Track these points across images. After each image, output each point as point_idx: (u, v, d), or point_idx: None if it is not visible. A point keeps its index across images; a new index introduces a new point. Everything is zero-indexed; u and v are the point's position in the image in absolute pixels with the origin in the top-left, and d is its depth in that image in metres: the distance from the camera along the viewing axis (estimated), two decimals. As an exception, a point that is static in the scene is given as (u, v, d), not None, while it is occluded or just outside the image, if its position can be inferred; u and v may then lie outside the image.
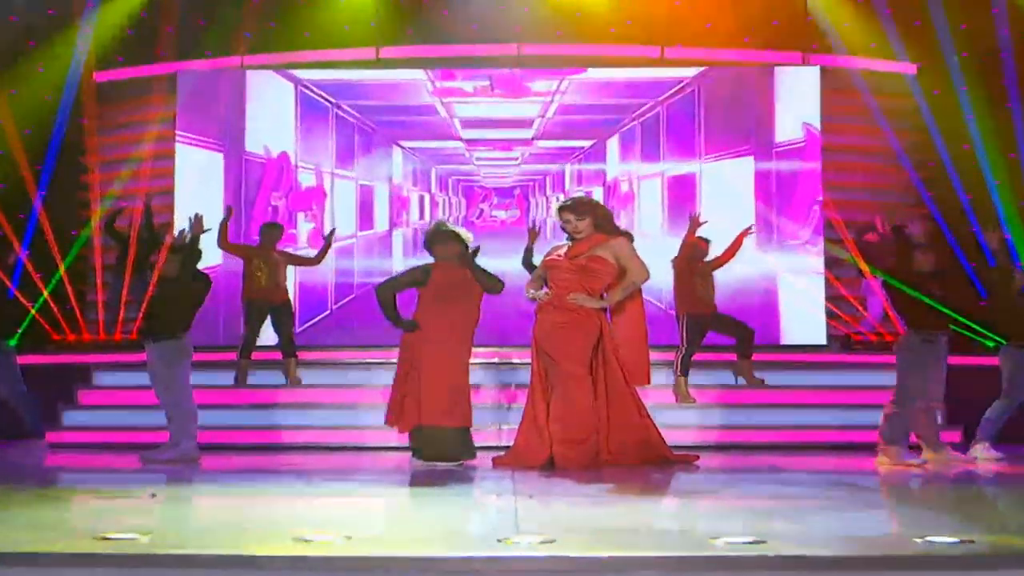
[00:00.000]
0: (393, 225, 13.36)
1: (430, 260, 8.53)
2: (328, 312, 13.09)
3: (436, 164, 13.42)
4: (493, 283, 8.35)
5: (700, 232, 10.68)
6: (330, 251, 11.41)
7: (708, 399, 10.53)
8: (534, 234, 10.42)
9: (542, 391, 8.01)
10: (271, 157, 13.07)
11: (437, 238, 8.45)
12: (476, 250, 8.43)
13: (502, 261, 10.19)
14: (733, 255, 10.91)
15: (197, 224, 8.93)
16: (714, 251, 10.89)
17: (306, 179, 13.13)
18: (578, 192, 12.94)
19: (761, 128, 13.05)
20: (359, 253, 13.20)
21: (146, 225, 10.57)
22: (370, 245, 13.28)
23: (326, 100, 13.16)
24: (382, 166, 13.31)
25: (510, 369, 10.71)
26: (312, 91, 13.14)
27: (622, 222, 12.03)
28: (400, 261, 13.07)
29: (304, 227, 13.09)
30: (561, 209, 7.95)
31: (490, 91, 13.35)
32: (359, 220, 13.23)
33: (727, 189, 12.99)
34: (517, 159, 13.43)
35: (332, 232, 11.48)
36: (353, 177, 13.21)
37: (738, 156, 13.11)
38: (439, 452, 8.24)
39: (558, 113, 13.27)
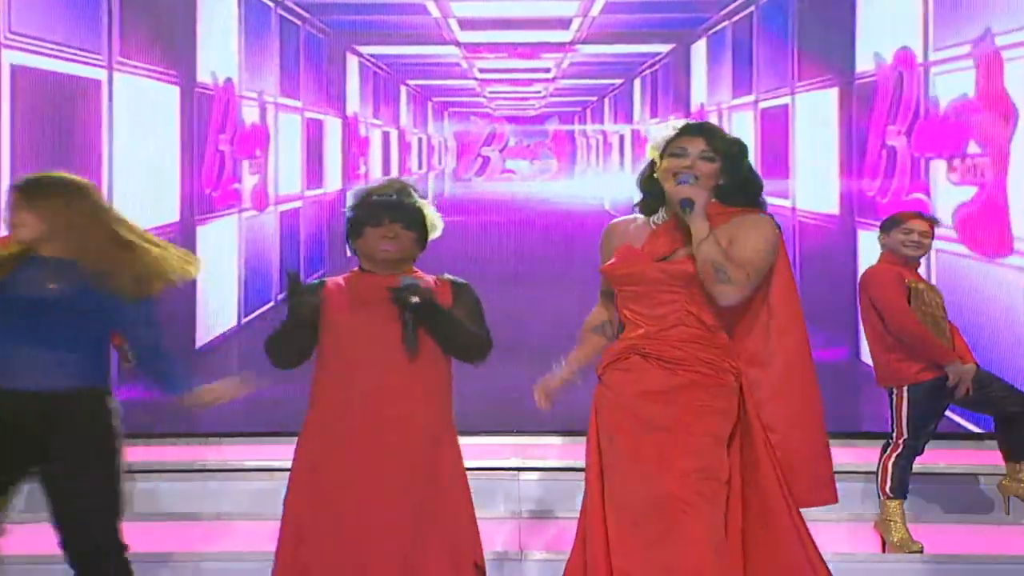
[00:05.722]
0: (348, 180, 9.08)
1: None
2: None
3: (409, 79, 9.12)
4: (465, 338, 4.11)
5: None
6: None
7: (947, 544, 5.71)
8: None
9: (604, 513, 3.86)
10: (217, 85, 8.72)
11: (379, 211, 4.10)
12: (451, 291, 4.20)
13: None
14: None
15: None
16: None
17: (248, 114, 8.84)
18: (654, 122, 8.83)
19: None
20: (305, 225, 8.96)
21: None
22: (319, 212, 9.06)
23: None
24: (333, 88, 9.13)
25: (541, 480, 6.40)
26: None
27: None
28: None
29: (248, 181, 8.84)
30: (685, 130, 3.93)
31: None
32: (306, 172, 9.01)
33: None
34: (550, 71, 9.10)
35: None
36: (299, 108, 8.99)
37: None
38: None
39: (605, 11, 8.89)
